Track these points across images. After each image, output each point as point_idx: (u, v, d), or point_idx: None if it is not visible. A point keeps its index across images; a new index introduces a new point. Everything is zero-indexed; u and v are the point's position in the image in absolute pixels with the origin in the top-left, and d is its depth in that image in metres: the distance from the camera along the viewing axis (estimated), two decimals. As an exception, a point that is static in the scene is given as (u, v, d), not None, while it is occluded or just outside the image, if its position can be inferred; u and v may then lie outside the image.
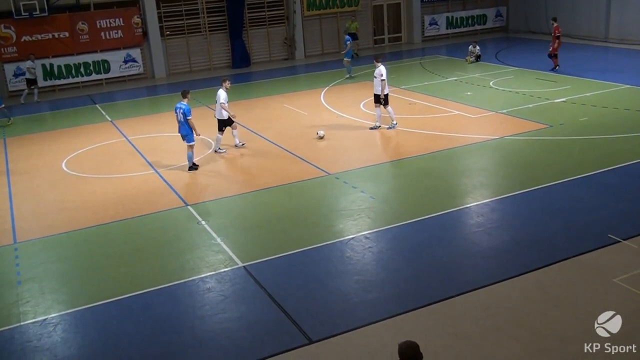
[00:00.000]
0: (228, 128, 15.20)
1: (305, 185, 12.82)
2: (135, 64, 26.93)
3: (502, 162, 13.52)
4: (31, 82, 23.94)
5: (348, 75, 23.78)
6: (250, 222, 11.10)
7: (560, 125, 15.47)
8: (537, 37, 30.55)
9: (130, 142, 16.75)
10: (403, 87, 21.33)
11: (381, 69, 15.61)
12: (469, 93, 19.85)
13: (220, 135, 15.26)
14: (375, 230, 10.31)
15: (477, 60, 25.17)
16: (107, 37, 26.15)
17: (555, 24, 22.44)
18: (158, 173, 14.01)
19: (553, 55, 22.47)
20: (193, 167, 14.01)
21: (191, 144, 13.85)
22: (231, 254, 9.80)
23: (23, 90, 24.12)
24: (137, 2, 26.58)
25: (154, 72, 27.22)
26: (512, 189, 11.74)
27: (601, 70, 22.32)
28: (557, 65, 22.43)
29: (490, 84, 20.97)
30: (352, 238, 10.04)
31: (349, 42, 24.08)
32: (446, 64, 25.77)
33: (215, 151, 15.29)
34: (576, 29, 29.85)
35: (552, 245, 9.36)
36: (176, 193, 12.71)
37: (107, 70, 26.39)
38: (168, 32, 27.46)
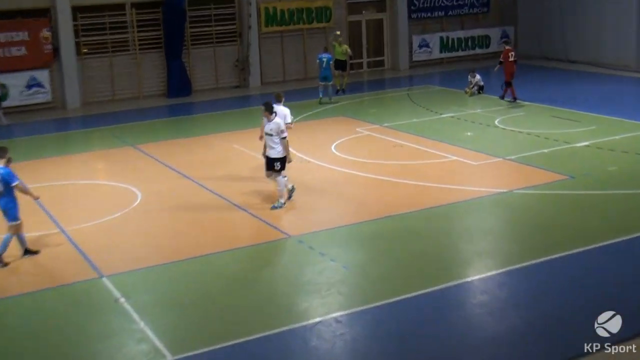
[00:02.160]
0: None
1: (259, 250, 12.74)
2: (42, 89, 26.75)
3: (511, 223, 13.62)
4: None
5: (329, 99, 25.28)
6: (184, 300, 10.90)
7: (583, 175, 15.72)
8: (552, 65, 31.39)
9: (30, 192, 16.47)
10: (386, 124, 21.55)
11: (280, 122, 14.73)
12: (469, 133, 20.13)
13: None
14: (348, 311, 10.19)
15: (478, 93, 25.65)
16: (7, 54, 26.02)
17: (506, 47, 24.30)
18: (65, 233, 13.78)
19: (507, 84, 23.91)
20: (28, 252, 12.73)
21: (14, 223, 12.32)
22: (157, 342, 9.54)
23: None
24: (47, 11, 26.60)
25: (65, 100, 27.07)
26: (523, 257, 11.77)
27: (633, 107, 22.88)
28: (503, 97, 24.01)
29: (496, 122, 21.33)
30: (319, 322, 9.90)
31: (319, 60, 25.27)
32: (440, 97, 26.24)
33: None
34: (602, 56, 30.69)
35: (574, 332, 9.31)
36: (88, 260, 12.47)
37: (5, 98, 26.13)
38: (86, 50, 27.50)
